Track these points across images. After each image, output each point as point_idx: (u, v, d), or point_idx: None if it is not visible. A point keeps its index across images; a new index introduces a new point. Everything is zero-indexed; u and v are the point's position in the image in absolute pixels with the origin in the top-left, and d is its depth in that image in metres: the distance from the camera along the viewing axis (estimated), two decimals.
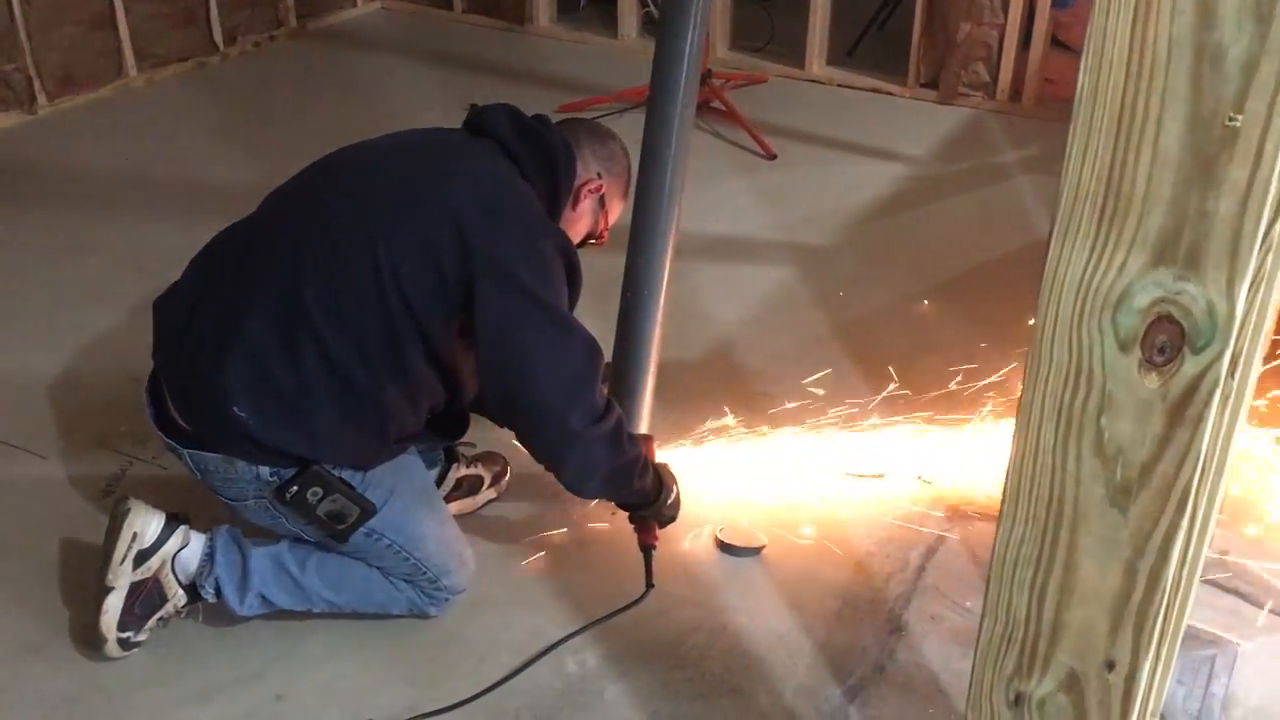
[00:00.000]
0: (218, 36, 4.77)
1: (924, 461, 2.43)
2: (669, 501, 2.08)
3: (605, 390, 1.95)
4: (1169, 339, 0.93)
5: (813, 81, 4.77)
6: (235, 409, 1.76)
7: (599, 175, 2.04)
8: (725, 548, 2.23)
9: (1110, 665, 1.07)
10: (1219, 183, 0.87)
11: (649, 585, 2.06)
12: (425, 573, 1.95)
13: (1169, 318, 0.92)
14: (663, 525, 2.11)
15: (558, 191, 1.97)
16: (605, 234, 2.11)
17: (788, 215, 3.64)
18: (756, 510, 2.32)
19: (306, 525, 1.87)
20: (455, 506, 2.25)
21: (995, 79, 4.47)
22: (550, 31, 5.26)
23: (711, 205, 3.62)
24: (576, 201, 2.02)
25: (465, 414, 2.04)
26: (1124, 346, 0.95)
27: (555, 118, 2.06)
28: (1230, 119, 0.85)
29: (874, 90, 4.67)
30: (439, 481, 2.24)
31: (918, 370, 2.73)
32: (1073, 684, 1.10)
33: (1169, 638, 1.37)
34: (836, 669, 1.98)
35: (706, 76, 4.26)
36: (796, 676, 1.96)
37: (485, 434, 2.41)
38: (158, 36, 4.55)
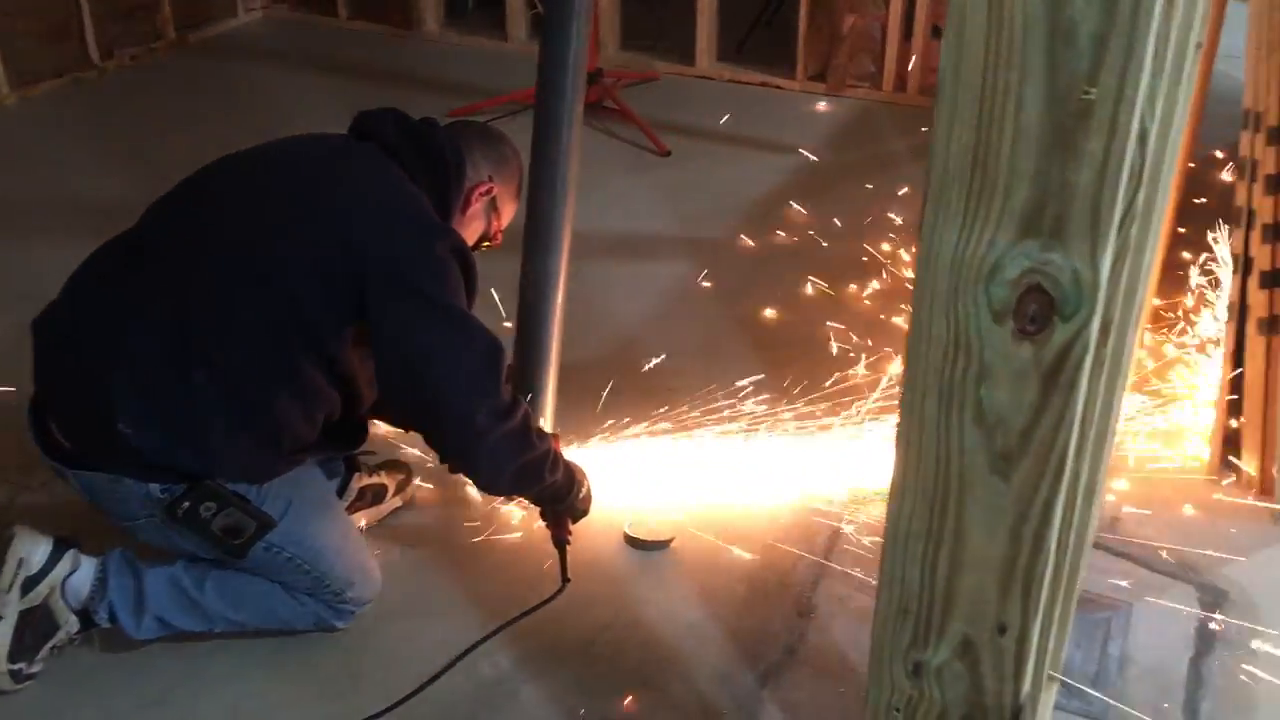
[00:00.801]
0: (93, 51, 4.64)
1: (825, 451, 2.47)
2: (580, 495, 2.07)
3: (510, 388, 1.94)
4: (1039, 308, 0.96)
5: (703, 78, 4.81)
6: (120, 425, 1.71)
7: (490, 178, 2.03)
8: (634, 543, 2.24)
9: (1002, 629, 1.10)
10: (1078, 155, 0.90)
11: (565, 580, 2.05)
12: (328, 585, 1.91)
13: (1038, 288, 0.95)
14: (575, 520, 2.11)
15: (448, 195, 1.95)
16: (499, 236, 2.10)
17: (684, 211, 3.67)
18: (663, 504, 2.33)
19: (201, 542, 1.83)
20: (360, 517, 2.23)
21: (881, 69, 4.56)
22: (438, 35, 5.22)
23: (608, 203, 3.63)
24: (468, 205, 2.00)
25: (363, 423, 2.01)
26: (998, 317, 0.97)
27: (444, 121, 2.05)
28: (1085, 93, 0.88)
29: (764, 84, 4.73)
30: (341, 492, 2.20)
31: (817, 360, 2.77)
32: (967, 649, 1.13)
33: (1060, 600, 1.41)
34: (748, 655, 2.00)
35: (598, 76, 4.27)
36: (709, 665, 1.98)
37: (388, 441, 2.39)
38: (30, 53, 4.40)
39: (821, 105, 4.57)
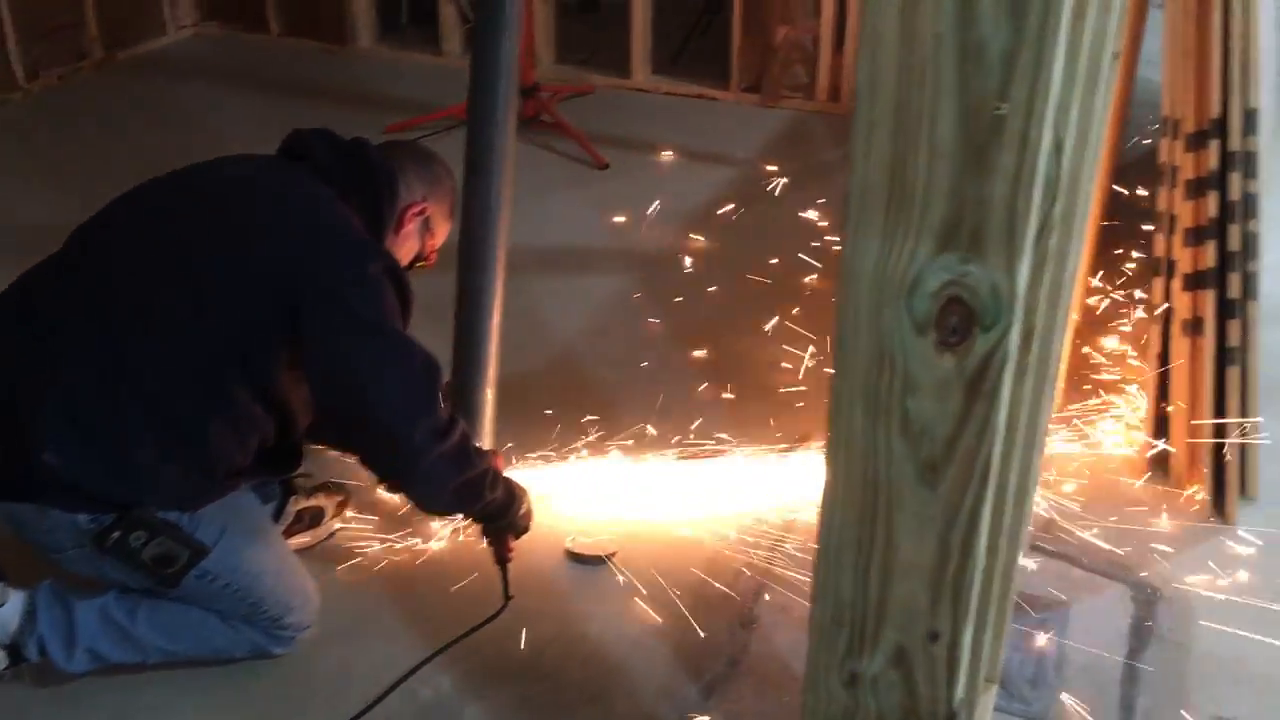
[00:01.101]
0: (18, 71, 4.53)
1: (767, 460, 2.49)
2: (521, 512, 2.06)
3: (447, 407, 1.94)
4: (960, 319, 0.97)
5: (639, 90, 4.82)
6: (46, 455, 1.68)
7: (423, 198, 2.02)
8: (576, 558, 2.24)
9: (933, 636, 1.11)
10: (991, 170, 0.91)
11: (507, 598, 2.04)
12: (265, 612, 1.89)
13: (958, 299, 0.96)
14: (517, 536, 2.09)
15: (381, 215, 1.94)
16: (433, 256, 2.09)
17: (621, 223, 3.67)
18: (605, 519, 2.33)
19: (133, 572, 1.80)
20: (298, 541, 2.20)
21: (814, 80, 4.60)
22: (372, 51, 5.19)
23: (546, 218, 3.63)
24: (401, 225, 1.99)
25: (298, 447, 1.99)
26: (920, 329, 0.99)
27: (380, 138, 2.04)
28: (996, 108, 0.89)
29: (699, 96, 4.75)
30: (277, 515, 2.18)
31: (761, 367, 2.79)
32: (901, 658, 1.14)
33: (993, 604, 1.43)
34: (692, 668, 2.00)
35: (534, 90, 4.27)
36: (654, 679, 1.98)
37: (326, 463, 2.37)
38: None
39: (757, 116, 4.60)
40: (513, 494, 2.03)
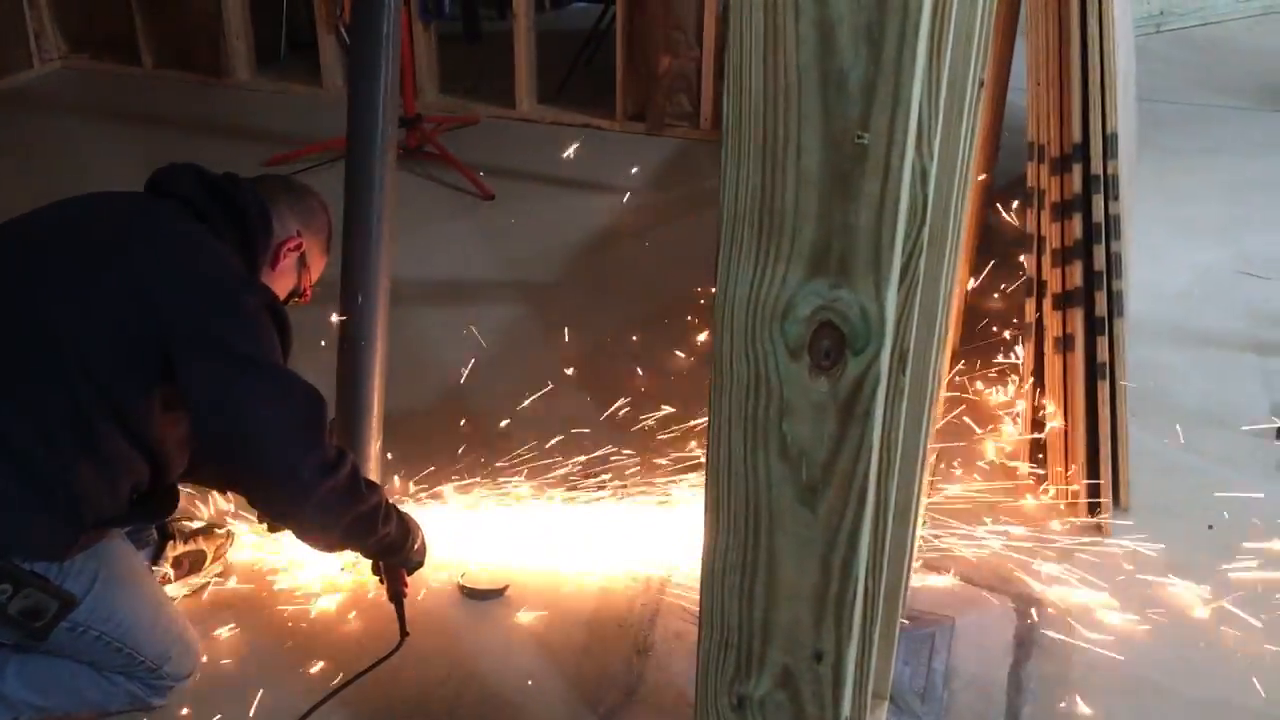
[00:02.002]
0: None
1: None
2: (415, 547, 2.02)
3: (334, 441, 1.90)
4: (832, 344, 0.99)
5: (525, 120, 4.84)
6: None
7: (298, 232, 1.98)
8: (469, 593, 2.21)
9: (818, 656, 1.12)
10: (856, 196, 0.93)
11: (404, 634, 2.00)
12: (142, 662, 1.82)
13: (830, 324, 0.98)
14: (410, 572, 2.06)
15: (255, 251, 1.90)
16: (309, 291, 2.06)
17: (510, 254, 3.67)
18: (495, 553, 2.30)
19: (0, 628, 1.71)
20: (175, 588, 2.13)
21: (698, 108, 4.66)
22: (250, 83, 5.10)
23: (432, 249, 3.60)
24: (276, 261, 1.95)
25: (174, 490, 1.93)
26: (794, 354, 1.00)
27: (259, 171, 2.00)
28: (859, 137, 0.91)
29: (585, 125, 4.78)
30: (155, 561, 2.10)
31: (645, 396, 2.80)
32: (787, 679, 1.15)
33: (879, 622, 1.45)
34: (589, 700, 1.99)
35: (417, 121, 4.25)
36: (551, 714, 1.96)
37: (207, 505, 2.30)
38: None
39: (643, 144, 4.64)
40: (406, 528, 1.99)
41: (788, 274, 0.98)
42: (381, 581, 2.05)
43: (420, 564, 2.07)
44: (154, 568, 2.11)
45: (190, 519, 2.21)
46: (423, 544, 2.06)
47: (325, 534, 1.85)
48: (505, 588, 2.22)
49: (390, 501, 1.96)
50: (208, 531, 2.22)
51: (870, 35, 0.88)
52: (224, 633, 2.09)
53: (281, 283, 1.98)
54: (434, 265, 3.51)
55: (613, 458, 2.57)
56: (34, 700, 1.81)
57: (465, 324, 3.20)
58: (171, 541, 2.14)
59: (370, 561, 2.03)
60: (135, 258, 1.73)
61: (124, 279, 1.70)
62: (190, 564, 2.16)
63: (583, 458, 2.56)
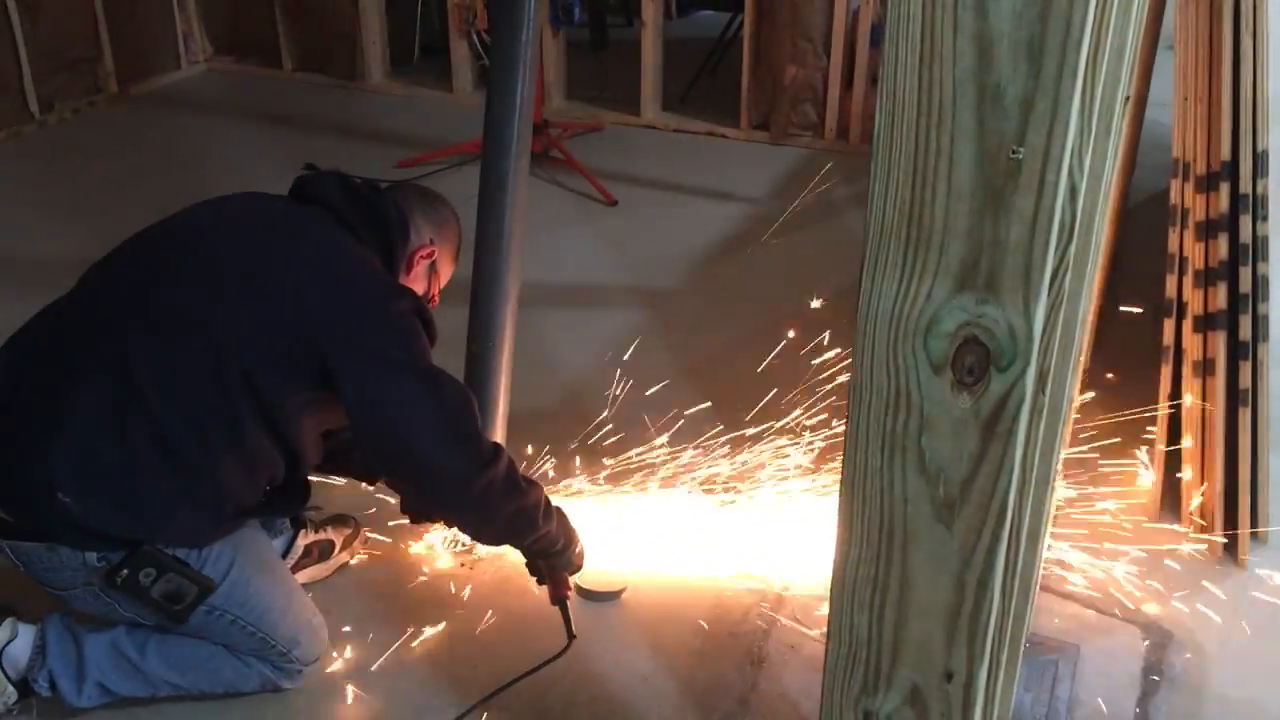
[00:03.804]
0: (33, 104, 4.60)
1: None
2: (575, 549, 2.07)
3: (490, 436, 1.95)
4: (976, 360, 0.98)
5: (649, 127, 4.87)
6: (60, 495, 1.68)
7: (431, 241, 2.03)
8: (585, 594, 2.23)
9: (949, 676, 1.11)
10: (1008, 212, 0.92)
11: (571, 636, 2.03)
12: (274, 645, 1.88)
13: (975, 340, 0.97)
14: (571, 574, 2.09)
15: (393, 258, 1.96)
16: (436, 298, 2.11)
17: (631, 260, 3.69)
18: (614, 555, 2.32)
19: (141, 609, 1.79)
20: (306, 574, 2.20)
21: (822, 119, 4.64)
22: (383, 87, 5.24)
23: (555, 254, 3.65)
24: (410, 268, 2.01)
25: (306, 484, 1.99)
26: (936, 369, 0.99)
27: (383, 177, 2.06)
28: (1013, 152, 0.90)
29: (709, 134, 4.79)
30: (286, 549, 2.18)
31: (768, 405, 2.79)
32: (916, 697, 1.14)
33: (1006, 645, 1.42)
34: (701, 705, 1.99)
35: (543, 126, 4.31)
36: (663, 716, 1.97)
37: (332, 495, 2.37)
38: None
39: (766, 153, 4.62)
40: (567, 527, 2.04)
41: (934, 288, 0.97)
42: (541, 583, 2.08)
43: (580, 567, 2.10)
44: (285, 556, 2.18)
45: (320, 509, 2.28)
46: (582, 547, 2.09)
47: (485, 526, 1.93)
48: (622, 590, 2.24)
49: (548, 499, 2.01)
50: (338, 521, 2.29)
51: (1030, 50, 0.87)
52: (350, 618, 2.15)
53: (413, 288, 2.03)
54: (557, 269, 3.56)
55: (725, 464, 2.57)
56: (172, 678, 1.89)
57: (587, 327, 3.24)
58: (303, 530, 2.21)
59: (529, 563, 2.07)
60: (292, 268, 1.80)
61: (282, 291, 1.76)
62: (319, 552, 2.23)
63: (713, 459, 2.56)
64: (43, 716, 1.90)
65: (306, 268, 1.80)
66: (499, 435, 2.32)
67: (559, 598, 2.05)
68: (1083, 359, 2.10)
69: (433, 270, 2.06)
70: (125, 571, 1.73)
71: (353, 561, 2.29)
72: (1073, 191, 1.17)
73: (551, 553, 2.02)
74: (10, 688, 1.83)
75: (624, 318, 3.31)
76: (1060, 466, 2.12)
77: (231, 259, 1.81)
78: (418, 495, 1.92)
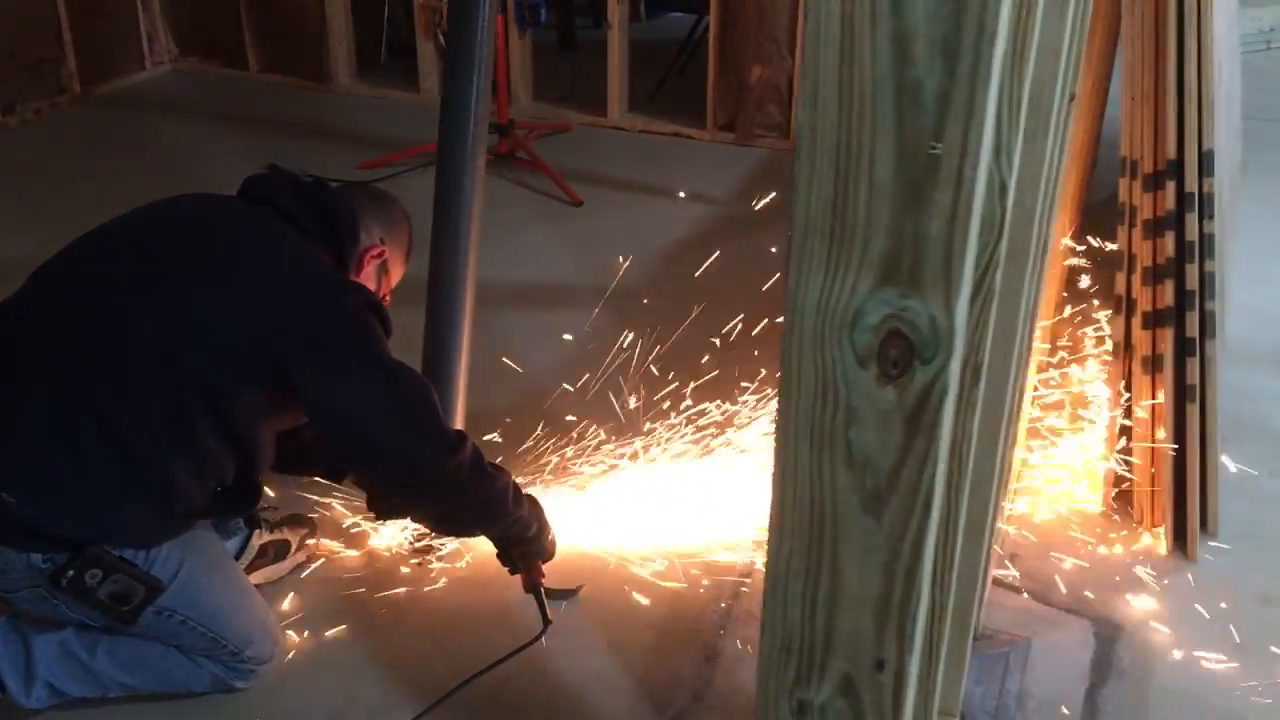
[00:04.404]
0: None
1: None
2: (548, 536, 2.08)
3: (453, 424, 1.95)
4: (900, 353, 0.99)
5: (616, 128, 4.88)
6: (3, 494, 1.67)
7: (381, 240, 2.04)
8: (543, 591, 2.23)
9: (880, 665, 1.12)
10: (928, 207, 0.93)
11: (546, 623, 2.04)
12: (225, 645, 1.88)
13: (899, 333, 0.98)
14: (544, 560, 2.08)
15: (344, 257, 1.96)
16: (387, 298, 2.11)
17: (596, 260, 3.70)
18: (571, 553, 2.33)
19: (88, 611, 1.78)
20: (261, 574, 2.19)
21: (789, 119, 4.66)
22: (350, 88, 5.23)
23: (520, 254, 3.66)
24: (361, 268, 2.01)
25: (257, 485, 1.98)
26: (862, 362, 1.01)
27: (348, 177, 2.06)
28: (932, 148, 0.92)
29: (675, 135, 4.81)
30: (241, 549, 2.17)
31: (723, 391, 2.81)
32: (848, 687, 1.15)
33: (946, 637, 1.44)
34: (656, 702, 2.00)
35: (510, 127, 4.32)
36: (617, 713, 1.98)
37: (289, 494, 2.37)
38: None
39: (732, 154, 4.64)
40: (539, 515, 2.04)
41: (858, 283, 0.98)
42: (514, 572, 2.08)
43: (551, 555, 2.11)
44: (240, 556, 2.18)
45: (275, 509, 2.28)
46: (554, 535, 2.10)
47: (457, 515, 1.94)
48: (579, 588, 2.25)
49: (519, 486, 2.01)
50: (294, 521, 2.29)
51: (946, 47, 0.89)
52: (305, 619, 2.15)
53: None
54: (521, 269, 3.57)
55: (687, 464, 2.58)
56: (122, 679, 1.88)
57: (549, 327, 3.25)
58: (258, 530, 2.21)
59: (501, 552, 2.06)
60: (242, 267, 1.80)
61: (234, 289, 1.77)
62: (275, 552, 2.23)
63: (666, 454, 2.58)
64: None
65: (258, 267, 1.81)
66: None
67: (532, 585, 2.06)
68: (1031, 356, 2.12)
69: (383, 270, 2.07)
70: (71, 573, 1.72)
71: (307, 561, 2.29)
72: (1002, 188, 1.19)
73: (524, 539, 2.03)
74: None
75: (585, 318, 3.32)
76: (1011, 463, 2.15)
77: (180, 260, 1.81)
78: (384, 488, 1.92)
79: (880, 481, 1.05)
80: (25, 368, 1.74)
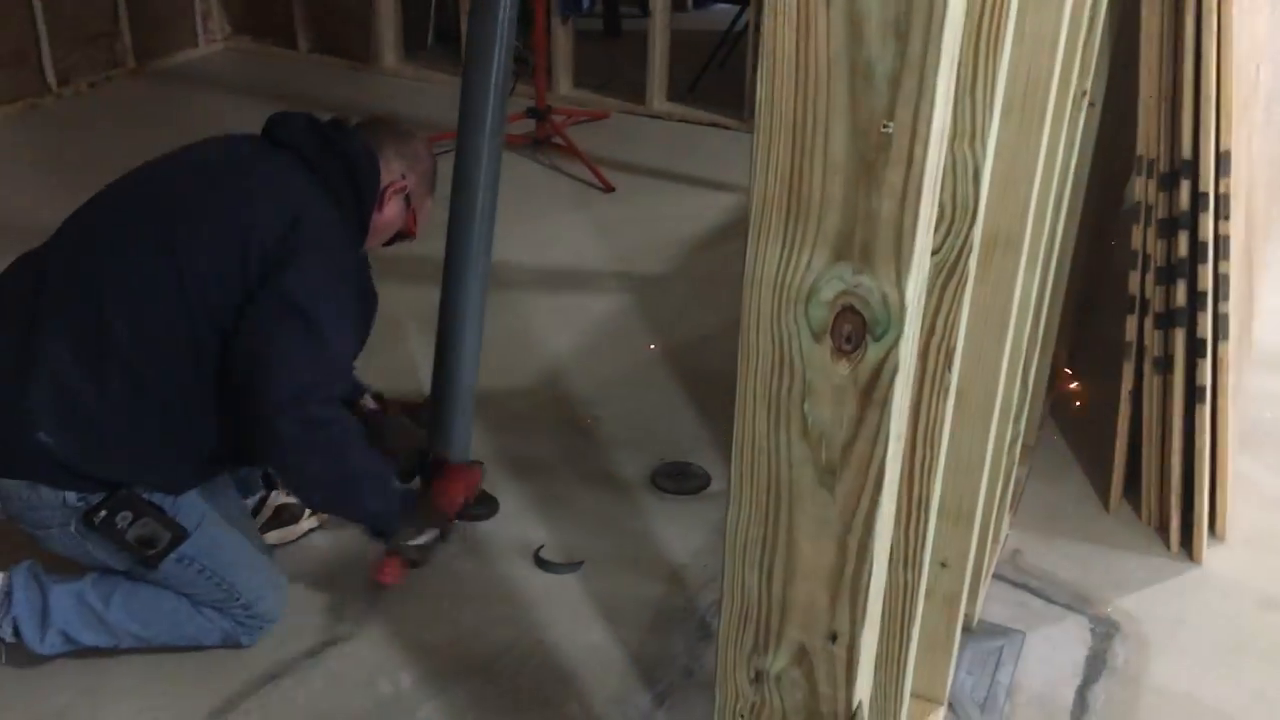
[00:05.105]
0: (50, 77, 4.68)
1: None
2: (415, 541, 1.99)
3: (343, 412, 1.91)
4: (853, 328, 1.01)
5: (654, 117, 4.90)
6: (40, 434, 1.75)
7: (403, 175, 2.04)
8: (545, 565, 2.28)
9: (833, 637, 1.15)
10: (879, 185, 0.96)
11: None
12: (238, 599, 1.95)
13: (852, 309, 1.01)
14: (414, 565, 2.02)
15: (363, 195, 1.97)
16: (415, 230, 2.12)
17: (623, 246, 3.73)
18: (575, 528, 2.37)
19: (116, 552, 1.86)
20: (274, 535, 2.25)
21: None
22: (396, 69, 5.30)
23: (548, 238, 3.70)
24: (383, 204, 2.02)
25: None
26: (817, 337, 1.03)
27: (356, 118, 2.10)
28: (884, 127, 0.94)
29: (712, 124, 4.82)
30: (257, 509, 2.23)
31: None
32: (802, 657, 1.17)
33: (915, 621, 1.46)
34: (647, 677, 2.03)
35: (546, 113, 4.36)
36: (608, 686, 2.01)
37: None
38: None
39: None
40: (415, 516, 1.99)
41: (813, 258, 1.01)
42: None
43: (416, 560, 2.01)
44: (254, 516, 2.24)
45: None
46: (430, 544, 2.01)
47: (300, 489, 1.93)
48: (581, 563, 2.28)
49: (469, 482, 2.02)
50: None
51: (897, 28, 0.91)
52: (311, 582, 2.20)
53: (388, 224, 2.07)
54: (549, 253, 3.60)
55: (701, 450, 2.61)
56: (135, 629, 1.94)
57: (572, 311, 3.29)
58: (275, 493, 2.27)
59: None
60: (249, 210, 1.85)
61: (238, 230, 1.82)
62: (289, 516, 2.28)
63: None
64: (8, 661, 1.96)
65: (262, 212, 1.84)
66: (464, 409, 2.36)
67: (449, 517, 2.05)
68: (1042, 351, 2.12)
69: (408, 204, 2.07)
70: (103, 513, 1.80)
71: (321, 525, 2.34)
72: (975, 173, 1.21)
73: (382, 533, 1.98)
74: None
75: (610, 303, 3.35)
76: (1015, 459, 2.15)
77: (194, 202, 1.87)
78: (252, 440, 1.85)
79: (834, 455, 1.07)
80: (55, 311, 1.81)
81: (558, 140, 4.34)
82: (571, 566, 2.28)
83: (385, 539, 1.99)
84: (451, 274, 2.29)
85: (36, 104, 4.63)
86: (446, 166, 2.24)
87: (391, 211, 2.05)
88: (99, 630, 1.94)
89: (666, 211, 4.00)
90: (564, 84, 5.00)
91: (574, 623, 2.15)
